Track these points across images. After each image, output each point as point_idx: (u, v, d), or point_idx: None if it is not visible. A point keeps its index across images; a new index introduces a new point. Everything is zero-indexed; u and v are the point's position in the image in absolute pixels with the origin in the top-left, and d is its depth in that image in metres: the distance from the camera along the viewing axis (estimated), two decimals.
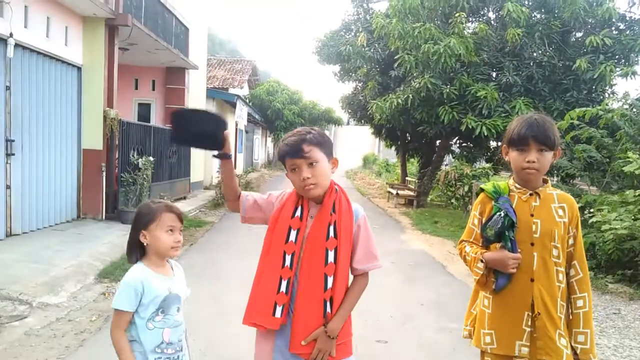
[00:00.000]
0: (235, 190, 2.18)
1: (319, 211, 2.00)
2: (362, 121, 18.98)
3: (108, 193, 8.85)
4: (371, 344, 4.09)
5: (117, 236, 7.37)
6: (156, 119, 13.37)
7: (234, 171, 2.23)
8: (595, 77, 10.50)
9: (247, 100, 26.19)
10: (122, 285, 1.97)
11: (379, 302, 5.02)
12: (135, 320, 1.96)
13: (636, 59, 11.21)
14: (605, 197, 6.90)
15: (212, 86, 21.07)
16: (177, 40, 12.35)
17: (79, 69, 8.57)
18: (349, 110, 18.75)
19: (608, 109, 8.07)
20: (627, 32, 11.33)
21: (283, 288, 1.95)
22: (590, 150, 7.74)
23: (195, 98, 14.99)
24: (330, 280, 1.94)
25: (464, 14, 11.17)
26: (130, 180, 9.18)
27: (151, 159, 9.86)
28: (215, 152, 2.10)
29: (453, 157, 16.30)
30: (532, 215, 2.07)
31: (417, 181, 16.09)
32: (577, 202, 2.43)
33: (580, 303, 2.07)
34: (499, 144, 11.95)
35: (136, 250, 2.05)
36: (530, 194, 2.10)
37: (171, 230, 2.02)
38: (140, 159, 9.58)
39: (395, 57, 11.77)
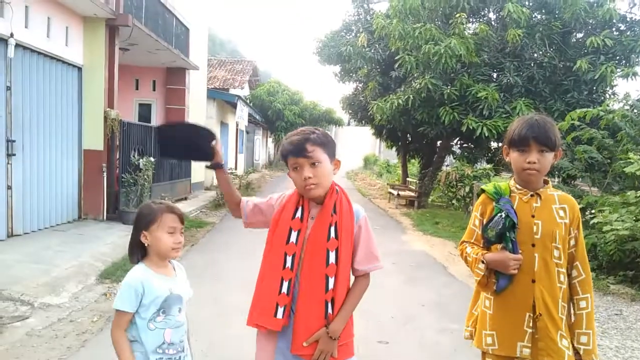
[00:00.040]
0: (235, 197, 2.20)
1: (320, 212, 2.00)
2: (363, 122, 18.97)
3: (109, 193, 8.86)
4: (372, 345, 4.09)
5: (118, 237, 7.37)
6: (157, 120, 13.37)
7: (230, 179, 2.25)
8: (596, 77, 10.49)
9: (248, 101, 26.20)
10: (123, 286, 1.98)
11: (380, 302, 5.02)
12: (137, 320, 1.96)
13: (637, 60, 11.20)
14: (606, 198, 6.90)
15: (212, 87, 21.08)
16: (177, 40, 12.36)
17: (80, 69, 8.58)
18: (350, 111, 18.75)
19: (609, 109, 8.07)
20: (628, 33, 11.32)
21: (284, 289, 1.95)
22: (591, 151, 7.74)
23: (196, 98, 14.99)
24: (331, 281, 1.94)
25: (464, 14, 11.17)
26: (131, 180, 9.19)
27: (152, 159, 9.87)
28: (208, 163, 2.12)
29: (454, 158, 16.30)
30: (533, 216, 2.07)
31: (418, 182, 16.09)
32: (579, 203, 2.42)
33: (583, 304, 2.08)
34: (500, 144, 11.94)
35: (137, 251, 2.05)
36: (531, 195, 2.10)
37: (172, 231, 2.02)
38: (141, 160, 9.58)
39: (396, 58, 11.78)
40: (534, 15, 11.97)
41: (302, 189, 1.99)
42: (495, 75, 12.19)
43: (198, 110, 15.33)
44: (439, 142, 15.21)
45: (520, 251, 2.03)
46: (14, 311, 4.37)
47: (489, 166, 13.27)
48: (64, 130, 8.20)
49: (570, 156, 8.26)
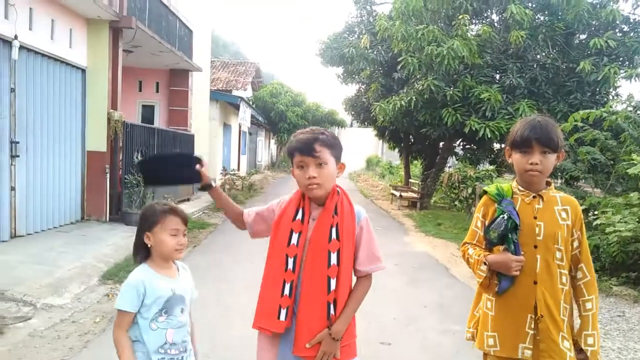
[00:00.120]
0: (235, 211, 2.24)
1: (321, 213, 2.01)
2: (366, 123, 18.98)
3: (112, 195, 8.88)
4: (374, 346, 4.09)
5: (121, 238, 7.39)
6: (160, 121, 13.40)
7: (225, 195, 2.28)
8: (599, 79, 10.48)
9: (251, 102, 26.24)
10: (124, 286, 1.99)
11: (382, 304, 5.02)
12: (139, 320, 1.97)
13: None
14: (609, 200, 6.88)
15: (215, 88, 21.12)
16: (180, 42, 12.39)
17: (83, 71, 8.61)
18: (352, 112, 18.76)
19: (612, 111, 8.05)
20: (631, 34, 11.31)
21: (286, 291, 1.95)
22: (594, 153, 7.72)
23: (199, 100, 15.02)
24: (333, 282, 1.94)
25: (467, 16, 11.16)
26: (134, 182, 9.21)
27: None
28: (199, 185, 2.16)
29: (456, 159, 16.29)
30: (535, 218, 2.07)
31: (420, 183, 16.08)
32: (581, 205, 2.43)
33: (589, 305, 2.08)
34: (503, 146, 11.93)
35: (141, 251, 2.07)
36: (534, 197, 2.10)
37: (175, 233, 2.03)
38: None
39: (399, 59, 11.78)
40: (537, 17, 11.96)
41: (304, 187, 1.99)
42: (498, 76, 12.18)
43: (201, 112, 15.37)
44: (441, 144, 15.20)
45: (522, 253, 2.03)
46: (17, 312, 4.39)
47: (491, 167, 13.24)
48: (68, 131, 8.23)
49: (573, 157, 8.25)
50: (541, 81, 11.49)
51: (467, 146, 14.79)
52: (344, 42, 15.70)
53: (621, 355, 4.16)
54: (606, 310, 5.28)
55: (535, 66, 11.71)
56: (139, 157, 9.62)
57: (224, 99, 18.52)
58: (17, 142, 6.87)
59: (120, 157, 9.08)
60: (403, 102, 11.98)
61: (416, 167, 20.67)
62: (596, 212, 6.79)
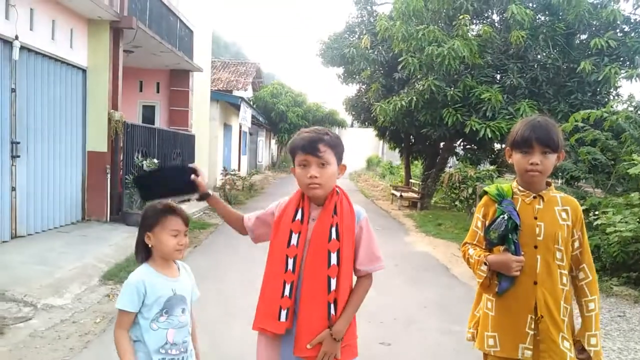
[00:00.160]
0: (235, 217, 2.25)
1: (321, 213, 2.01)
2: (366, 123, 18.97)
3: (112, 195, 8.88)
4: (374, 346, 4.09)
5: (121, 238, 7.39)
6: (160, 121, 13.41)
7: (224, 203, 2.29)
8: (599, 79, 10.46)
9: (251, 103, 26.25)
10: (125, 286, 1.99)
11: (383, 304, 5.02)
12: (139, 320, 1.98)
13: None
14: (610, 200, 6.88)
15: (216, 89, 21.13)
16: (181, 42, 12.39)
17: (84, 71, 8.62)
18: (353, 113, 18.75)
19: (613, 111, 8.05)
20: (632, 34, 11.29)
21: (287, 292, 1.95)
22: (595, 153, 7.72)
23: (200, 100, 15.03)
24: (333, 282, 1.94)
25: (467, 16, 11.15)
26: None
27: (155, 161, 9.89)
28: (197, 195, 2.16)
29: (457, 159, 16.28)
30: (535, 218, 2.07)
31: (420, 183, 16.07)
32: (582, 205, 2.43)
33: (591, 306, 2.08)
34: (503, 146, 11.92)
35: (142, 251, 2.07)
36: (534, 197, 2.10)
37: (175, 233, 2.03)
38: (144, 161, 9.60)
39: (399, 60, 11.77)
40: (537, 17, 11.95)
41: (304, 186, 1.99)
42: (498, 76, 12.17)
43: (201, 112, 15.37)
44: (442, 144, 15.19)
45: (522, 253, 2.03)
46: (17, 312, 4.39)
47: (492, 168, 13.23)
48: (68, 132, 8.24)
49: (574, 157, 8.24)
50: (542, 81, 11.49)
51: (468, 146, 14.78)
52: (344, 42, 15.70)
53: (621, 355, 4.15)
54: (607, 311, 5.27)
55: (535, 66, 11.70)
56: (139, 161, 9.61)
57: (224, 99, 18.51)
58: (18, 143, 6.88)
59: (121, 158, 9.08)
60: (404, 103, 11.98)
61: (417, 168, 20.66)
62: (597, 212, 6.78)
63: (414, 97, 11.72)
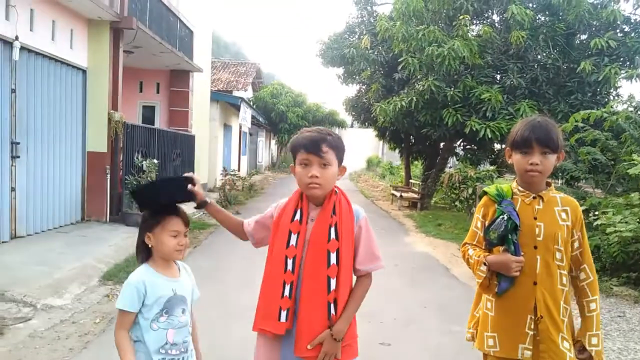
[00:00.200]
0: (235, 223, 2.25)
1: (320, 213, 2.00)
2: (366, 123, 18.98)
3: (112, 195, 8.88)
4: (374, 347, 4.09)
5: (121, 238, 7.39)
6: (160, 122, 13.41)
7: (222, 210, 2.28)
8: (599, 79, 10.47)
9: (251, 103, 26.25)
10: (125, 286, 1.99)
11: (383, 304, 5.02)
12: (140, 320, 1.97)
13: None
14: (610, 200, 6.88)
15: (216, 89, 21.13)
16: (181, 43, 12.39)
17: (84, 71, 8.62)
18: (353, 113, 18.76)
19: (613, 111, 8.05)
20: (632, 35, 11.30)
21: (286, 292, 1.95)
22: (595, 153, 7.72)
23: (200, 101, 15.03)
24: (333, 282, 1.94)
25: (468, 16, 11.16)
26: (135, 182, 9.20)
27: (155, 161, 9.89)
28: (195, 204, 2.16)
29: (457, 160, 16.28)
30: (535, 219, 2.07)
31: (420, 183, 16.07)
32: (582, 205, 2.43)
33: (593, 306, 2.09)
34: (503, 146, 11.92)
35: (143, 252, 2.07)
36: (534, 197, 2.10)
37: (175, 234, 2.03)
38: (144, 162, 9.60)
39: (399, 60, 11.78)
40: (537, 17, 11.96)
41: (304, 186, 1.99)
42: (498, 77, 12.18)
43: (201, 113, 15.37)
44: (442, 144, 15.20)
45: (522, 253, 2.03)
46: (17, 312, 4.39)
47: (492, 168, 13.23)
48: (68, 132, 8.24)
49: (574, 158, 8.24)
50: (542, 81, 11.49)
51: (468, 147, 14.78)
52: (344, 43, 15.71)
53: (621, 355, 4.15)
54: (607, 311, 5.27)
55: (536, 66, 11.70)
56: (139, 161, 9.61)
57: (224, 100, 18.52)
58: (18, 143, 6.88)
59: (121, 158, 9.08)
60: (404, 103, 11.98)
61: (417, 168, 20.67)
62: (597, 213, 6.78)
63: (414, 98, 11.72)
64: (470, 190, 11.96)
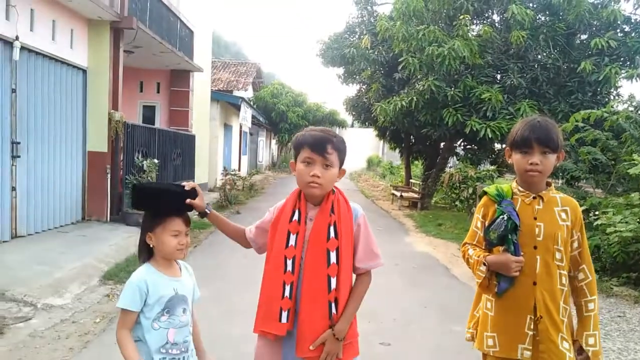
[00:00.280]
0: (237, 231, 2.25)
1: (318, 213, 2.01)
2: (366, 123, 18.98)
3: (113, 195, 8.88)
4: (374, 346, 4.09)
5: (121, 238, 7.39)
6: (161, 122, 13.42)
7: (223, 218, 2.28)
8: (600, 79, 10.48)
9: (252, 103, 26.25)
10: (127, 285, 1.99)
11: (383, 304, 5.02)
12: (141, 320, 1.98)
13: None
14: (610, 200, 6.88)
15: (216, 89, 21.13)
16: (182, 43, 12.39)
17: (84, 71, 8.62)
18: (353, 113, 18.76)
19: (613, 111, 8.05)
20: (633, 34, 11.31)
21: (287, 293, 1.95)
22: (595, 153, 7.72)
23: (200, 100, 15.03)
24: (333, 281, 1.94)
25: (468, 16, 11.16)
26: (135, 182, 9.22)
27: (156, 161, 9.90)
28: (197, 213, 2.17)
29: (457, 160, 16.28)
30: (535, 219, 2.07)
31: (421, 183, 16.07)
32: (582, 205, 2.44)
33: (591, 306, 2.09)
34: (503, 146, 11.92)
35: (145, 251, 2.07)
36: (534, 197, 2.10)
37: (176, 234, 2.03)
38: (145, 161, 9.61)
39: (400, 60, 11.78)
40: (538, 17, 11.96)
41: (304, 184, 1.99)
42: (499, 76, 12.18)
43: (202, 113, 15.38)
44: (442, 144, 15.20)
45: (522, 253, 2.03)
46: (17, 312, 4.39)
47: (492, 168, 13.24)
48: (69, 132, 8.24)
49: (574, 157, 8.25)
50: (542, 81, 11.49)
51: (468, 146, 14.78)
52: (344, 43, 15.71)
53: (621, 355, 4.15)
54: (606, 311, 5.27)
55: (536, 66, 11.70)
56: (139, 161, 9.61)
57: (224, 100, 18.52)
58: (18, 143, 6.88)
59: (121, 158, 9.09)
60: (404, 103, 11.98)
61: (417, 168, 20.67)
62: (597, 213, 6.78)
63: (414, 97, 11.72)
64: (470, 190, 11.97)
